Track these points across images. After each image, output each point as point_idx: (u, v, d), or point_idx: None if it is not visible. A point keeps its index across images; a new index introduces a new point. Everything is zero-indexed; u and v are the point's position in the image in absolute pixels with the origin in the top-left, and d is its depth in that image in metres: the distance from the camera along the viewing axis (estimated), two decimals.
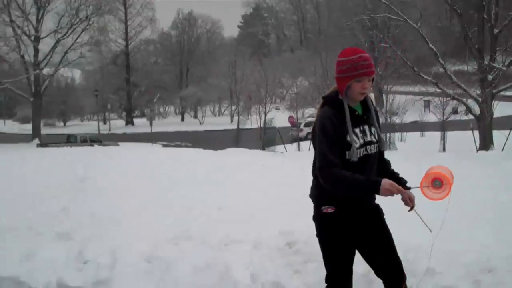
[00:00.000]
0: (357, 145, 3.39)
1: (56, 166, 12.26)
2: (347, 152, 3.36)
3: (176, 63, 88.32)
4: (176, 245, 5.75)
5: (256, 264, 5.17)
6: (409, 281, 4.58)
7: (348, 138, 3.36)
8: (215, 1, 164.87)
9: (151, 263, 5.41)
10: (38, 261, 5.47)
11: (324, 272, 4.12)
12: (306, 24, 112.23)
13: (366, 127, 3.49)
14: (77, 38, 51.11)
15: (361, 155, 3.40)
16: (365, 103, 3.53)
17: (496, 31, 25.82)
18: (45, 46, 49.69)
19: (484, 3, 25.40)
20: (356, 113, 3.46)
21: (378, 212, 3.62)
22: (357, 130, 3.43)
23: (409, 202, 3.40)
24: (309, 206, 5.40)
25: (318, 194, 3.49)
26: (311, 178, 3.59)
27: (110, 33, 73.13)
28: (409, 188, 3.40)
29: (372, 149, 3.49)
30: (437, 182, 3.21)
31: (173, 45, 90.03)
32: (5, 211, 7.27)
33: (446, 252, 5.28)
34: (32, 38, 47.66)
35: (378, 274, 3.62)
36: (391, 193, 3.21)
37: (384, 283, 3.61)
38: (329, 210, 3.41)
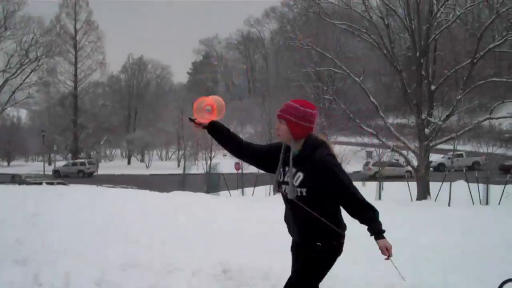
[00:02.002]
0: (276, 180, 4.01)
1: (5, 201, 12.68)
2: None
3: (124, 106, 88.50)
4: (124, 271, 6.41)
5: None
6: None
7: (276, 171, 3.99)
8: (165, 47, 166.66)
9: (100, 286, 6.07)
10: None
11: None
12: (255, 73, 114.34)
13: (287, 169, 3.88)
14: (25, 78, 51.31)
15: (279, 191, 3.98)
16: (302, 151, 3.86)
17: (433, 87, 27.42)
18: None
19: (422, 61, 26.98)
20: (288, 154, 3.90)
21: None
22: (281, 169, 3.96)
23: (385, 251, 3.71)
24: (243, 240, 6.30)
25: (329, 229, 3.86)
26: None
27: (59, 74, 73.22)
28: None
29: (286, 189, 3.88)
30: (209, 107, 3.97)
31: (122, 89, 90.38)
32: None
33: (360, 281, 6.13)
34: None
35: None
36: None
37: None
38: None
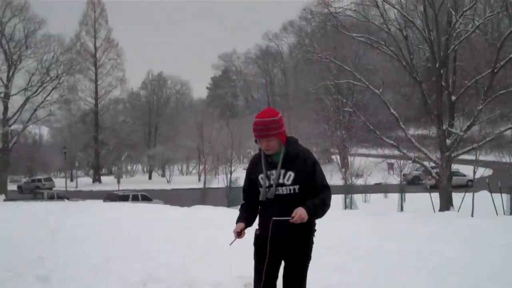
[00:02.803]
0: (266, 186, 4.17)
1: (28, 218, 12.78)
2: (260, 189, 4.22)
3: (145, 122, 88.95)
4: (144, 286, 6.41)
5: None
6: None
7: (260, 179, 4.23)
8: (185, 63, 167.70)
9: None
10: None
11: None
12: (274, 87, 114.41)
13: (275, 171, 4.15)
14: (47, 96, 51.56)
15: (268, 195, 4.15)
16: (286, 152, 4.16)
17: (453, 98, 27.25)
18: (14, 102, 50.09)
19: (442, 71, 26.84)
20: (270, 160, 4.21)
21: None
22: (268, 173, 4.19)
23: (296, 215, 3.93)
24: None
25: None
26: None
27: (80, 92, 74.04)
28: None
29: (280, 190, 4.13)
30: None
31: (142, 105, 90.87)
32: None
33: None
34: (2, 95, 48.06)
35: None
36: None
37: None
38: None
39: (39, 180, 60.26)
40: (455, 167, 35.46)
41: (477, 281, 6.91)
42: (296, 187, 4.12)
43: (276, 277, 4.35)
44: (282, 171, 4.14)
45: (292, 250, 4.20)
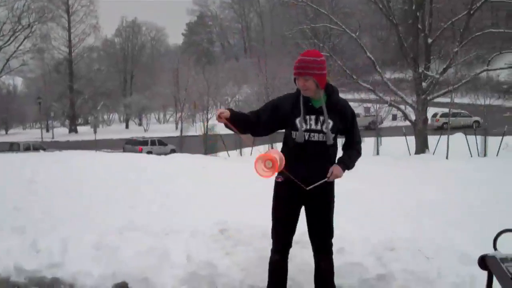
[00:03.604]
0: (303, 129, 4.17)
1: (4, 170, 12.65)
2: (293, 133, 4.20)
3: (120, 70, 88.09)
4: (121, 235, 6.41)
5: (192, 248, 5.90)
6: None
7: (297, 122, 4.18)
8: (159, 9, 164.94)
9: (99, 250, 6.08)
10: None
11: (254, 253, 4.96)
12: (250, 32, 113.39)
13: (314, 117, 4.17)
14: (19, 46, 50.86)
15: (305, 138, 4.15)
16: (330, 101, 4.19)
17: (430, 40, 27.22)
18: None
19: (418, 14, 26.72)
20: (310, 104, 4.18)
21: None
22: (307, 117, 4.17)
23: (332, 174, 4.17)
24: (241, 200, 6.17)
25: None
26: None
27: (53, 40, 72.82)
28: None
29: (316, 137, 4.15)
30: (269, 163, 3.95)
31: (117, 52, 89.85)
32: None
33: (358, 235, 6.14)
34: None
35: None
36: None
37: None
38: None
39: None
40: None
41: (451, 220, 7.03)
42: (332, 136, 4.17)
43: (297, 221, 4.42)
44: (321, 118, 4.16)
45: (318, 195, 4.27)
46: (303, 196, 4.29)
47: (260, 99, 41.30)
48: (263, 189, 5.87)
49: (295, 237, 4.56)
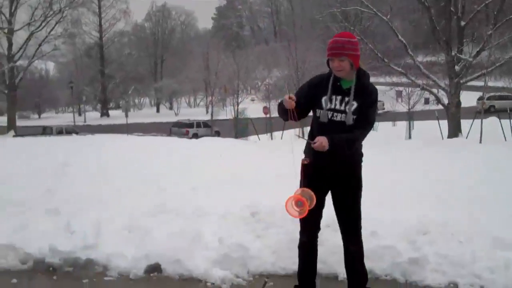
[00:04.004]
0: (327, 108, 4.20)
1: (37, 153, 12.85)
2: (318, 111, 4.23)
3: (150, 55, 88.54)
4: (154, 217, 6.48)
5: (223, 231, 5.94)
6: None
7: (323, 100, 4.21)
8: None
9: (131, 232, 6.15)
10: (31, 232, 6.17)
11: (285, 235, 4.97)
12: (280, 16, 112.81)
13: (339, 97, 4.18)
14: (51, 31, 51.04)
15: (329, 117, 4.19)
16: (358, 83, 4.18)
17: (463, 23, 26.75)
18: (19, 38, 49.63)
19: None
20: (339, 84, 4.20)
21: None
22: (333, 97, 4.20)
23: (318, 142, 4.06)
24: (272, 183, 6.18)
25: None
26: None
27: (84, 25, 73.54)
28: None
29: (338, 117, 4.17)
30: (300, 203, 4.05)
31: (147, 37, 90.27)
32: None
33: (391, 220, 6.10)
34: (6, 30, 47.54)
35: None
36: None
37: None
38: None
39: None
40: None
41: (484, 205, 6.94)
42: (354, 117, 4.14)
43: (323, 206, 4.44)
44: (347, 99, 4.17)
45: (345, 177, 4.30)
46: (330, 180, 4.32)
47: (290, 83, 41.15)
48: (294, 172, 5.85)
49: (327, 221, 4.56)
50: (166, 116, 71.10)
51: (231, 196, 7.15)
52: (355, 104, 4.14)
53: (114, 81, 78.37)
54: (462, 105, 26.70)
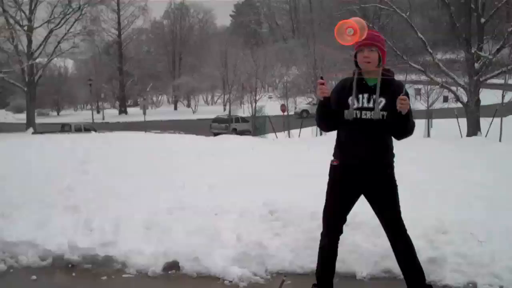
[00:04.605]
0: (354, 107, 4.14)
1: (56, 150, 12.96)
2: (345, 111, 4.16)
3: (168, 53, 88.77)
4: (171, 215, 6.51)
5: (241, 229, 5.95)
6: (374, 241, 5.39)
7: (349, 100, 4.15)
8: None
9: (150, 229, 6.19)
10: (50, 229, 6.23)
11: (303, 234, 4.95)
12: (298, 13, 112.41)
13: (366, 95, 4.13)
14: (70, 28, 51.34)
15: (356, 116, 4.12)
16: (384, 80, 4.13)
17: (483, 20, 26.50)
18: (38, 36, 49.95)
19: None
20: (364, 82, 4.17)
21: None
22: (359, 96, 4.14)
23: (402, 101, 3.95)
24: (290, 182, 6.18)
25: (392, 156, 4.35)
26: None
27: (103, 23, 73.74)
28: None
29: (367, 115, 4.10)
30: (351, 30, 3.89)
31: (166, 35, 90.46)
32: (17, 188, 7.98)
33: (409, 218, 6.06)
34: (25, 28, 47.89)
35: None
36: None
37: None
38: None
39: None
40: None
41: (503, 204, 6.87)
42: (385, 113, 4.09)
43: (349, 211, 4.40)
44: (374, 96, 4.11)
45: (377, 179, 4.23)
46: (361, 183, 4.25)
47: (308, 80, 41.11)
48: (311, 169, 5.86)
49: (348, 216, 4.53)
50: (184, 113, 71.28)
51: (249, 194, 7.15)
52: (383, 101, 4.09)
53: (132, 78, 78.71)
54: (482, 103, 26.44)
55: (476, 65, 25.73)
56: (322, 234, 4.46)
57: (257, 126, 36.39)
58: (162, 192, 7.65)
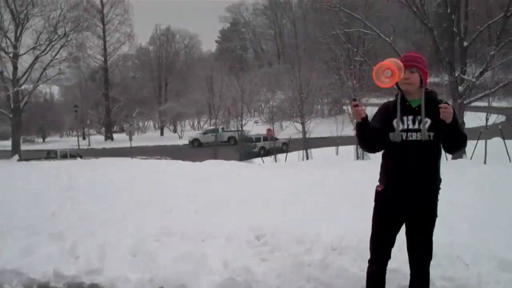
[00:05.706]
0: (400, 129, 4.12)
1: (42, 177, 12.88)
2: (390, 134, 4.15)
3: (154, 78, 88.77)
4: (158, 241, 6.48)
5: (228, 254, 5.92)
6: (361, 266, 5.39)
7: (394, 122, 4.14)
8: (192, 17, 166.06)
9: (136, 256, 6.14)
10: (35, 256, 6.17)
11: (290, 259, 4.93)
12: (283, 38, 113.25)
13: (411, 117, 4.10)
14: (55, 55, 51.06)
15: (403, 138, 4.09)
16: (427, 100, 4.10)
17: (465, 43, 26.82)
18: (24, 62, 49.69)
19: (453, 17, 26.36)
20: (407, 103, 4.16)
21: None
22: (404, 118, 4.13)
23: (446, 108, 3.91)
24: (276, 206, 6.13)
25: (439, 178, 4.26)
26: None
27: (89, 49, 73.60)
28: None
29: (414, 136, 4.06)
30: (388, 72, 3.91)
31: (152, 60, 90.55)
32: (2, 215, 7.92)
33: (397, 243, 6.07)
34: (11, 55, 47.74)
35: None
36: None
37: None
38: None
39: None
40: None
41: (489, 226, 6.90)
42: (431, 134, 4.05)
43: (397, 233, 4.35)
44: (419, 117, 4.09)
45: (422, 209, 4.18)
46: (405, 211, 4.19)
47: (294, 105, 41.25)
48: (300, 194, 5.86)
49: (332, 243, 4.53)
50: (170, 139, 71.15)
51: (236, 219, 7.14)
52: (429, 121, 4.05)
53: (119, 104, 78.53)
54: (466, 126, 26.63)
55: (460, 88, 25.96)
56: (370, 260, 4.42)
57: (243, 151, 36.39)
58: (149, 218, 7.61)
